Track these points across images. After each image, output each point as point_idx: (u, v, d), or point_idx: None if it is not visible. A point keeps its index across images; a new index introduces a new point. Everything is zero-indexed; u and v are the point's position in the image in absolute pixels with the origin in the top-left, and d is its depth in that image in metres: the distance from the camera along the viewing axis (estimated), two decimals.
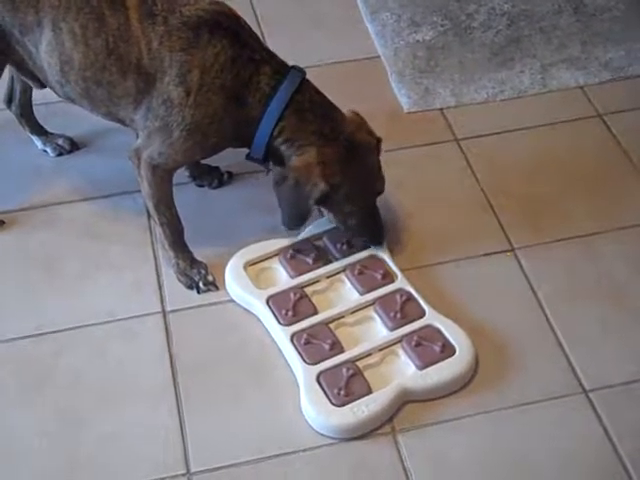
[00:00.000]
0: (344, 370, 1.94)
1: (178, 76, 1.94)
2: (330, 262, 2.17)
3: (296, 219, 2.08)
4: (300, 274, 2.13)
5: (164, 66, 1.95)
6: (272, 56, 2.03)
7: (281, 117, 1.99)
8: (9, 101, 2.38)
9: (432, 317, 2.04)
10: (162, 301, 2.14)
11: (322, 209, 2.12)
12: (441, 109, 2.60)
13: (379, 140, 2.11)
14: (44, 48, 2.02)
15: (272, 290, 2.10)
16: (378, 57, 2.74)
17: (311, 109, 2.01)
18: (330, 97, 2.07)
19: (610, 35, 2.78)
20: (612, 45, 2.75)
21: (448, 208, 2.34)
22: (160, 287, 2.17)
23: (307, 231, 2.21)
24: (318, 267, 2.15)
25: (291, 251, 2.17)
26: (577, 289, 2.16)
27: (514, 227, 2.28)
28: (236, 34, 1.98)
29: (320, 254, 2.18)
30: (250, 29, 2.04)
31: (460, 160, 2.46)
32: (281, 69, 2.01)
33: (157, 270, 2.20)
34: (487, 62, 2.71)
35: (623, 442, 1.89)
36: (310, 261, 2.15)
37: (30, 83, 2.22)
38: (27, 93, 2.36)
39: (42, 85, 2.18)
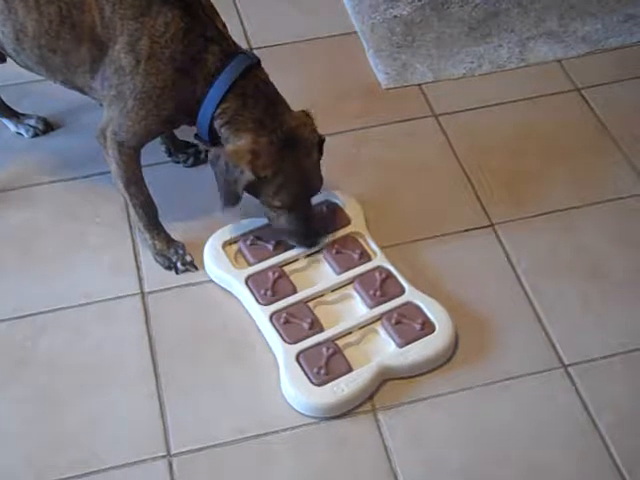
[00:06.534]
0: (324, 349, 1.93)
1: (128, 44, 1.93)
2: None
3: (229, 200, 2.02)
4: (278, 253, 2.12)
5: (116, 34, 1.93)
6: (224, 37, 1.98)
7: (223, 99, 1.96)
8: None
9: (412, 294, 2.04)
10: (140, 282, 2.13)
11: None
12: (419, 85, 2.58)
13: (322, 140, 2.05)
14: None
15: (251, 269, 2.09)
16: (355, 33, 2.72)
17: (254, 96, 1.96)
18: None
19: (587, 8, 2.77)
20: (589, 18, 2.74)
21: (427, 184, 2.33)
22: (138, 268, 2.16)
23: None
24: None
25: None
26: (556, 263, 2.16)
27: (493, 202, 2.28)
28: (188, 7, 1.94)
29: None
30: (208, 5, 1.99)
31: (439, 136, 2.45)
32: (230, 52, 1.97)
33: (135, 251, 2.19)
34: (465, 37, 2.69)
35: (602, 415, 1.90)
36: None
37: None
38: None
39: (2, 59, 2.16)
